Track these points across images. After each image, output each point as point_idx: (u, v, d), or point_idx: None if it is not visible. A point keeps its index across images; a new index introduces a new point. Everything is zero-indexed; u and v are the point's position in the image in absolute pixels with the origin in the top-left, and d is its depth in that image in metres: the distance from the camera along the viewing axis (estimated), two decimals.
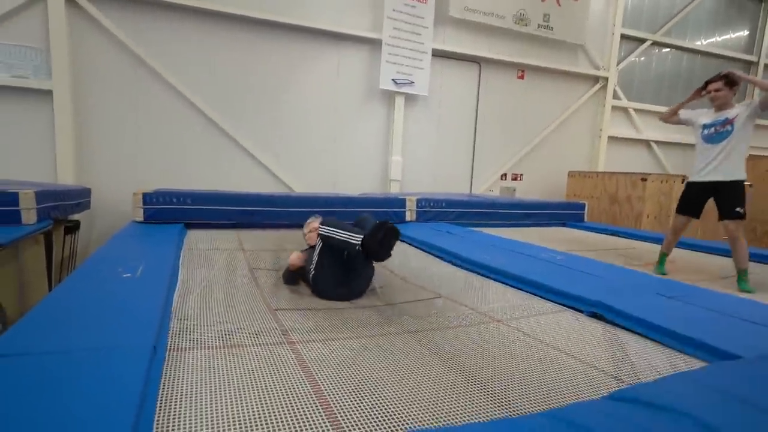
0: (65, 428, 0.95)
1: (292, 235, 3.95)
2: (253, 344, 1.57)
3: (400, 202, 4.76)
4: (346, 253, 2.21)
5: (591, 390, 1.35)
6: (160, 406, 1.13)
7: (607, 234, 5.12)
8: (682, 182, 6.23)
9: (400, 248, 3.70)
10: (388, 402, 1.21)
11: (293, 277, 2.47)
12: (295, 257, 2.46)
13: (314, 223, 2.68)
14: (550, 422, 1.02)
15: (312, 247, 2.46)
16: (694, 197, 3.22)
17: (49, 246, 3.48)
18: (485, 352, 1.60)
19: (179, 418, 1.09)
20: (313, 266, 2.28)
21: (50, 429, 0.95)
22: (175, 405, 1.14)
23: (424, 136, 6.68)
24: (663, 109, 8.17)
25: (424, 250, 3.53)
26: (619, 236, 4.95)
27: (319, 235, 2.28)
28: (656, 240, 4.58)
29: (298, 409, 1.15)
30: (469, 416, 1.17)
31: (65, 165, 4.86)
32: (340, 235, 2.19)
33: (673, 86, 8.45)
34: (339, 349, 1.57)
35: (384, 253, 2.15)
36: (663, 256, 3.25)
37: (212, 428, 1.06)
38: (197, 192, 4.14)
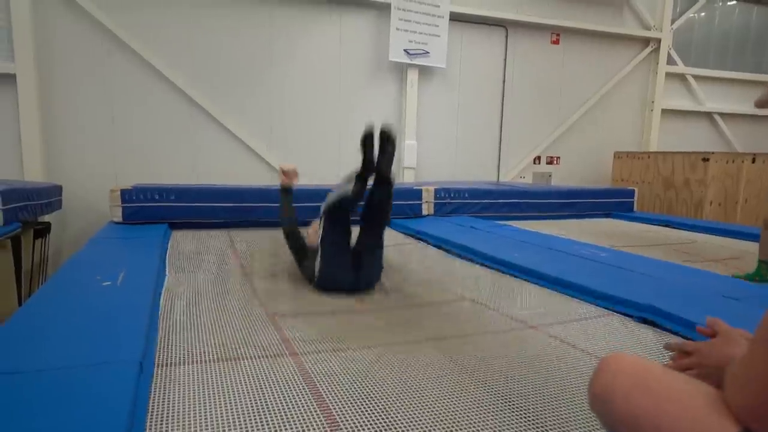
0: None
1: None
2: (250, 356, 1.62)
3: (416, 194, 4.78)
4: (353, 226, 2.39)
5: None
6: (150, 429, 1.18)
7: (661, 225, 5.07)
8: (753, 161, 6.14)
9: (415, 246, 3.73)
10: (409, 426, 1.24)
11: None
12: (312, 231, 2.71)
13: (317, 224, 2.80)
14: None
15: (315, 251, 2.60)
16: None
17: (17, 252, 3.58)
18: (518, 363, 1.62)
19: None
20: (319, 253, 2.42)
21: None
22: (166, 427, 1.19)
23: (442, 116, 6.67)
24: (729, 75, 8.08)
25: (444, 249, 3.55)
26: (675, 228, 4.91)
27: (321, 213, 2.43)
28: (721, 232, 4.52)
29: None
30: None
31: (32, 159, 4.99)
32: (336, 193, 2.38)
33: (741, 47, 8.27)
34: (348, 361, 1.61)
35: (381, 161, 2.29)
36: (762, 265, 2.93)
37: None
38: (182, 187, 4.23)
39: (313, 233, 2.87)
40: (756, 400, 0.67)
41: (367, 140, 2.29)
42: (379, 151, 2.30)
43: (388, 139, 2.29)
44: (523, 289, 2.57)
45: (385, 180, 2.38)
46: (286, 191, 2.90)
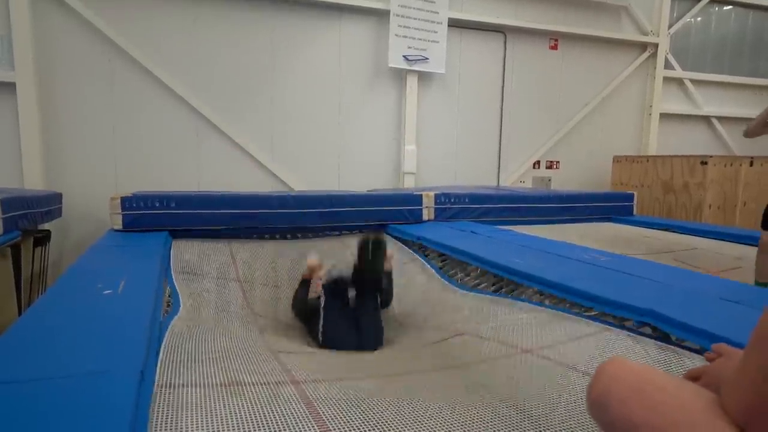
0: None
1: (290, 245, 4.01)
2: (251, 383, 1.60)
3: (416, 199, 4.78)
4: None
5: None
6: None
7: (660, 229, 5.07)
8: (750, 165, 6.15)
9: (415, 266, 3.71)
10: None
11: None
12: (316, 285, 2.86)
13: (318, 271, 2.98)
14: None
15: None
16: None
17: (17, 261, 3.58)
18: (515, 390, 1.61)
19: None
20: (321, 316, 2.61)
21: None
22: None
23: (441, 121, 6.69)
24: (726, 79, 8.11)
25: (442, 253, 3.56)
26: (675, 231, 4.91)
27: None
28: (721, 236, 4.53)
29: None
30: None
31: (32, 167, 5.00)
32: (337, 273, 2.80)
33: (737, 51, 8.30)
34: (349, 388, 1.60)
35: (371, 270, 2.69)
36: (759, 285, 2.99)
37: None
38: (183, 194, 4.22)
39: (315, 280, 2.95)
40: (751, 402, 0.68)
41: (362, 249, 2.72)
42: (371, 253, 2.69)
43: (378, 244, 2.74)
44: (514, 308, 2.51)
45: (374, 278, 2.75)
46: (303, 282, 3.01)
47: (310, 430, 1.28)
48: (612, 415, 0.83)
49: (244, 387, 1.56)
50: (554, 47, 7.17)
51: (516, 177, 7.22)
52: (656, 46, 7.57)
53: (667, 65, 7.76)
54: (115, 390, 1.28)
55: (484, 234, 4.08)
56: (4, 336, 1.65)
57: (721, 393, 0.74)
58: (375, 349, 2.54)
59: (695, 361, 1.69)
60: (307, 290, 2.88)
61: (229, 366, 1.76)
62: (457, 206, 4.94)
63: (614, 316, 2.17)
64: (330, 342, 2.52)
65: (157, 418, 1.29)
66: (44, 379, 1.34)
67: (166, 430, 1.22)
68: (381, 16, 6.10)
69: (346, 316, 2.61)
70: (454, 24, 6.41)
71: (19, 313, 3.33)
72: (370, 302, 2.75)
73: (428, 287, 3.34)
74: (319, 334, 2.56)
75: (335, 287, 2.73)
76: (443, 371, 1.81)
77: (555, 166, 7.46)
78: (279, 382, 1.63)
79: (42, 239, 4.33)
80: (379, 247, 2.74)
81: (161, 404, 1.37)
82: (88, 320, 1.84)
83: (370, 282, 2.77)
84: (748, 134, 3.17)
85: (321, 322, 2.58)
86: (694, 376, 1.02)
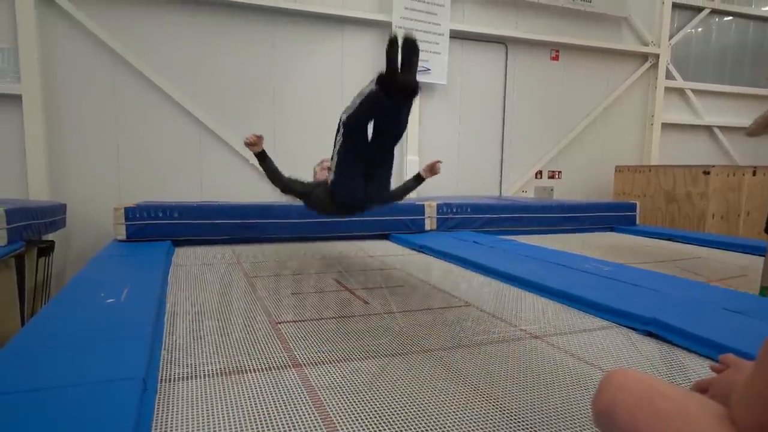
0: None
1: (295, 248, 4.02)
2: (254, 370, 1.63)
3: (418, 209, 4.79)
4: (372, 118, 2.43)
5: None
6: None
7: (663, 239, 5.06)
8: (753, 174, 6.15)
9: (419, 258, 3.74)
10: None
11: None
12: (320, 169, 2.85)
13: (326, 162, 2.97)
14: None
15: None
16: None
17: (20, 271, 3.60)
18: (522, 375, 1.62)
19: None
20: (334, 161, 2.59)
21: None
22: None
23: (443, 132, 6.72)
24: (727, 89, 8.14)
25: (447, 261, 3.56)
26: (678, 241, 4.90)
27: (340, 123, 2.51)
28: (724, 245, 4.51)
29: None
30: None
31: (37, 178, 5.04)
32: (357, 100, 2.40)
33: (738, 61, 8.35)
34: (352, 373, 1.62)
35: (407, 74, 2.24)
36: (765, 291, 2.97)
37: None
38: (185, 204, 4.25)
39: (320, 171, 3.01)
40: (760, 417, 0.68)
41: (391, 46, 2.25)
42: (402, 60, 2.28)
43: (412, 48, 2.26)
44: (527, 299, 2.58)
45: (408, 88, 2.30)
46: (261, 158, 2.99)
47: (313, 421, 1.29)
48: (618, 425, 0.82)
49: (245, 375, 1.59)
50: (555, 58, 7.23)
51: (518, 187, 7.23)
52: (657, 56, 7.62)
53: (669, 75, 7.80)
54: (118, 399, 1.29)
55: (486, 244, 4.09)
56: (7, 347, 1.66)
57: (730, 405, 0.74)
58: (380, 202, 2.54)
59: (698, 370, 1.68)
60: (269, 162, 2.92)
61: (231, 351, 1.79)
62: (459, 216, 4.95)
63: (618, 324, 2.17)
64: (338, 186, 2.55)
65: (158, 415, 1.31)
66: (47, 389, 1.34)
67: (167, 428, 1.23)
68: (383, 27, 6.16)
69: (360, 163, 2.54)
70: (456, 35, 6.47)
71: (23, 324, 3.34)
72: (386, 145, 2.53)
73: (434, 264, 3.53)
74: (330, 179, 2.57)
75: (356, 124, 2.46)
76: (449, 351, 1.82)
77: (557, 176, 7.47)
78: (281, 367, 1.66)
79: (46, 249, 4.35)
80: (414, 51, 2.26)
81: (163, 400, 1.40)
82: (90, 329, 1.84)
83: (402, 96, 2.34)
84: (750, 133, 3.17)
85: (333, 168, 2.57)
86: (701, 388, 1.01)
